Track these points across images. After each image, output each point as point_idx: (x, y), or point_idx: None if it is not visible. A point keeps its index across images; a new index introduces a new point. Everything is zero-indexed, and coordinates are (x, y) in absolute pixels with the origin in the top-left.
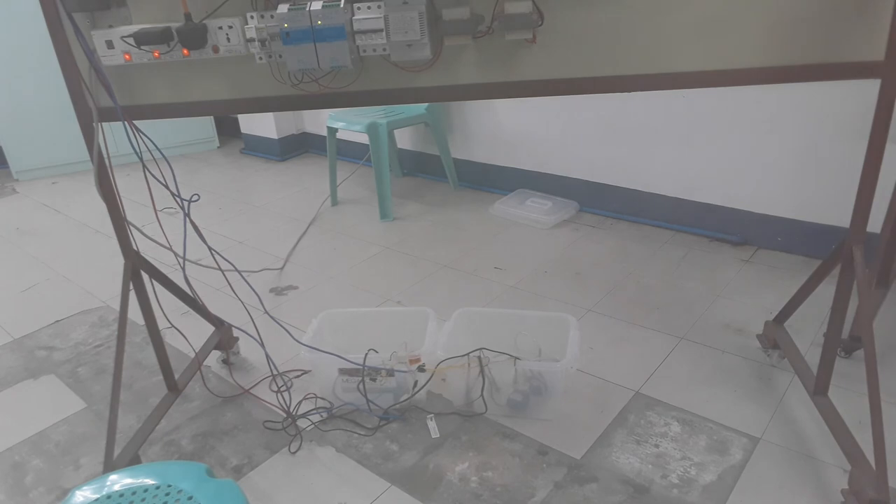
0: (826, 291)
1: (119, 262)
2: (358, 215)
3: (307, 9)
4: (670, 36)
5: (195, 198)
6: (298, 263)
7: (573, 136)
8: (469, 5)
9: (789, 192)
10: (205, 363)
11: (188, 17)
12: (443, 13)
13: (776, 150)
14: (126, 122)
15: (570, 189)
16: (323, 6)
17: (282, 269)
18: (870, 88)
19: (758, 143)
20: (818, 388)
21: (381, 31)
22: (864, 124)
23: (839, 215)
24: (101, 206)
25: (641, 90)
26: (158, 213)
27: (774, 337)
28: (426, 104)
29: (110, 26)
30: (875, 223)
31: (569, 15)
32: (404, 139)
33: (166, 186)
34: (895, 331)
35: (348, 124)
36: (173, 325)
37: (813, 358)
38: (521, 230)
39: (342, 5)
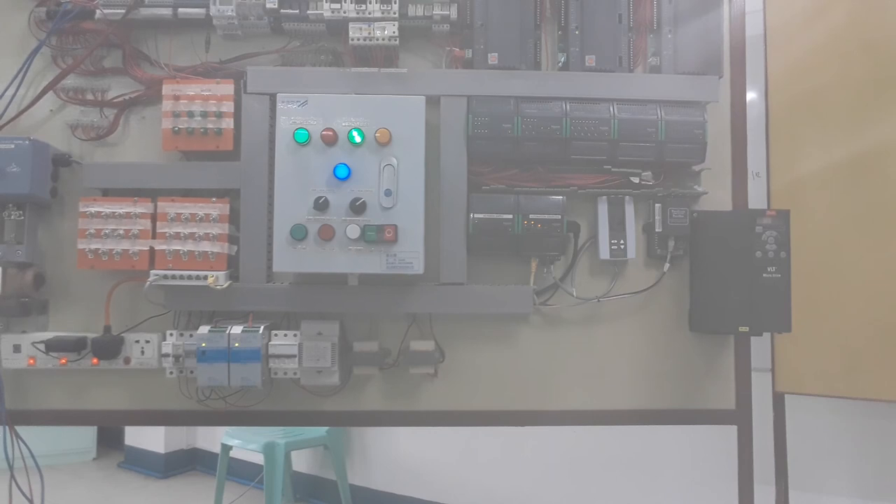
0: None
1: None
2: None
3: (227, 331)
4: (557, 378)
5: None
6: None
7: (472, 464)
8: (378, 340)
9: None
10: None
11: (108, 328)
12: (353, 345)
13: (662, 486)
14: (9, 428)
15: None
16: (243, 330)
17: None
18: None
19: (645, 479)
20: None
21: (295, 356)
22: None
23: None
24: None
25: (533, 425)
26: None
27: None
28: (327, 427)
29: (23, 332)
30: None
31: (468, 355)
32: (301, 461)
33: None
34: None
35: (244, 442)
36: None
37: None
38: None
39: (261, 331)
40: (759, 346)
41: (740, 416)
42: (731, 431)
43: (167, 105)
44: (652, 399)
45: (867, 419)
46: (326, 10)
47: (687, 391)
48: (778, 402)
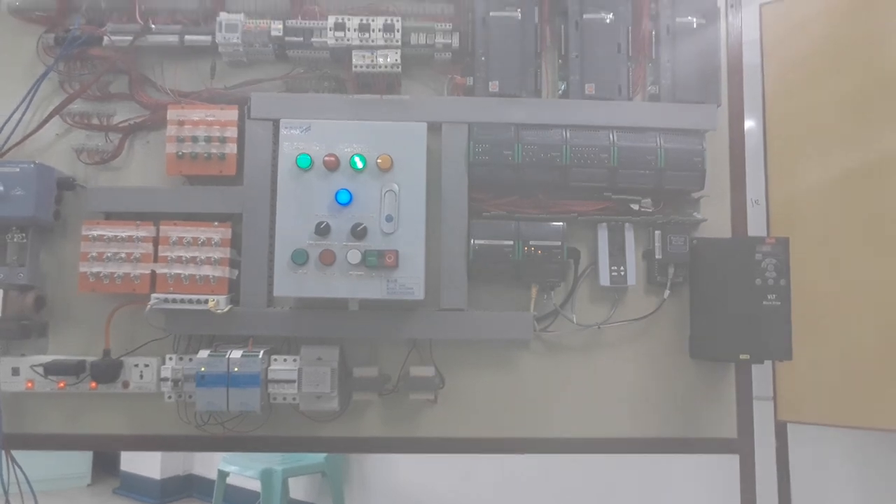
0: None
1: None
2: None
3: (226, 356)
4: (557, 405)
5: None
6: None
7: (472, 492)
8: (378, 365)
9: None
10: None
11: (107, 352)
12: (353, 370)
13: None
14: (5, 453)
15: None
16: (242, 355)
17: None
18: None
19: None
20: None
21: (294, 381)
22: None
23: None
24: None
25: (532, 452)
26: None
27: None
28: (325, 453)
29: (23, 354)
30: None
31: (468, 381)
32: (298, 488)
33: None
34: None
35: (241, 468)
36: None
37: None
38: None
39: (261, 356)
40: (761, 375)
41: (742, 445)
42: (734, 460)
43: (171, 130)
44: (653, 427)
45: (872, 448)
46: (330, 37)
47: (688, 419)
48: (780, 430)
